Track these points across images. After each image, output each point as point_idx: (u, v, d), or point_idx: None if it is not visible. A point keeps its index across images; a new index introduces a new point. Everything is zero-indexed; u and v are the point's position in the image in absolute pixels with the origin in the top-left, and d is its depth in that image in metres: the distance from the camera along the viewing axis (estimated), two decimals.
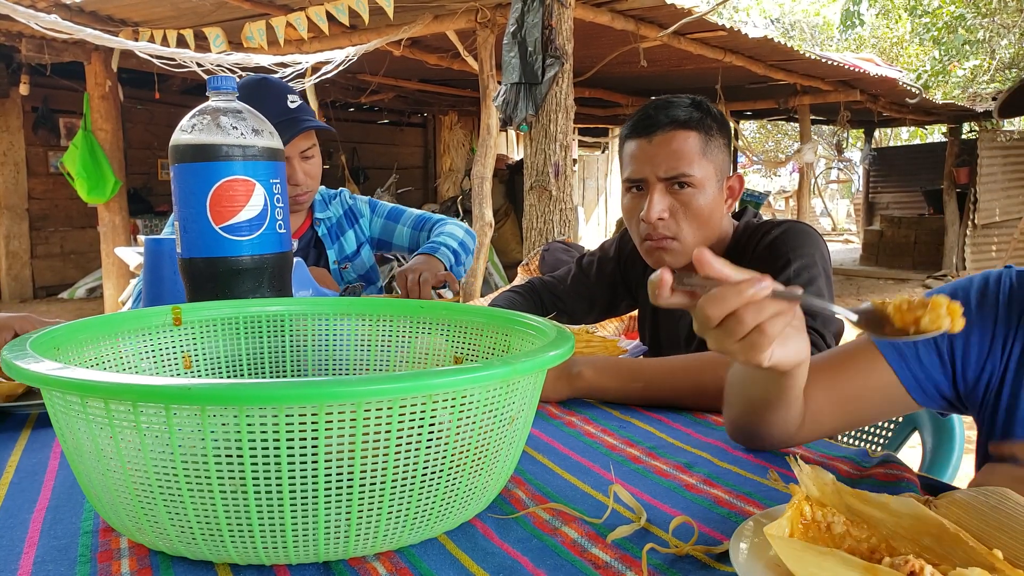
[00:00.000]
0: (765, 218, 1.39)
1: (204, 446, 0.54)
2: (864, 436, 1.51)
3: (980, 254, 9.72)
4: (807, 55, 6.80)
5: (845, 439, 1.43)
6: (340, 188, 2.00)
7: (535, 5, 3.85)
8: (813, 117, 10.43)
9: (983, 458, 0.89)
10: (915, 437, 1.45)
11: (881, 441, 1.50)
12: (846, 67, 7.52)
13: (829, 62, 7.26)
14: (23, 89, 6.41)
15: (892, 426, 1.38)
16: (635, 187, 1.30)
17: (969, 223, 9.48)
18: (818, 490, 0.62)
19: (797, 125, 9.80)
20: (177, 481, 0.56)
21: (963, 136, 11.23)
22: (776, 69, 7.25)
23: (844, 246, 15.30)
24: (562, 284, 1.61)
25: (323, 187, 1.94)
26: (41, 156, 7.63)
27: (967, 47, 12.32)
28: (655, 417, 1.03)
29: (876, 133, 14.40)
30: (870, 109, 9.48)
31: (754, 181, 19.06)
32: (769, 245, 1.27)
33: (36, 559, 0.62)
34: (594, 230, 12.33)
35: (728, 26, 5.67)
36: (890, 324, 0.65)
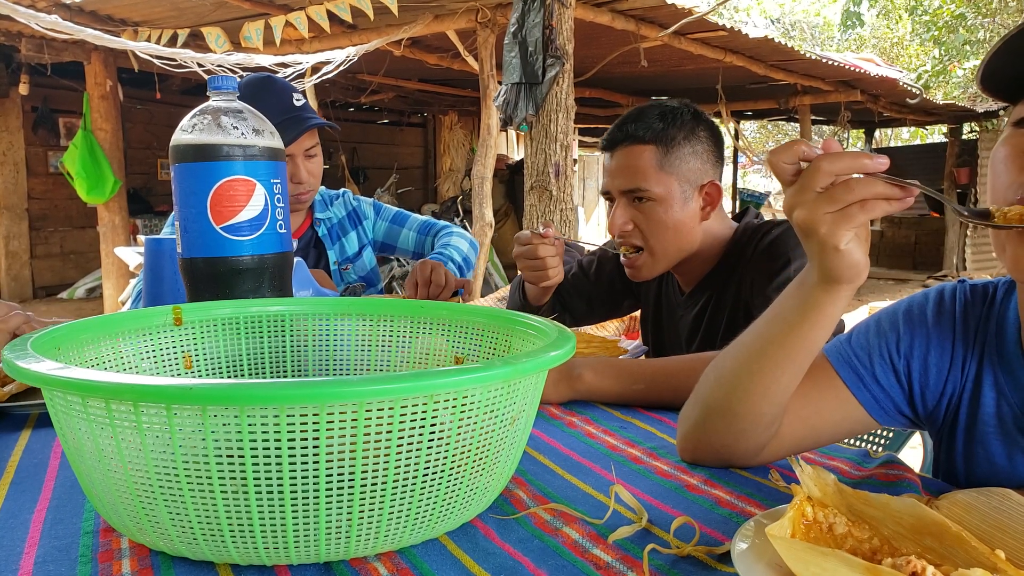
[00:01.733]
0: (766, 218, 1.39)
1: (205, 446, 0.54)
2: (866, 436, 1.51)
3: (980, 255, 9.72)
4: (807, 55, 6.80)
5: (847, 440, 1.43)
6: (343, 189, 2.01)
7: (536, 5, 3.85)
8: (813, 117, 10.43)
9: (945, 476, 0.86)
10: (916, 437, 1.45)
11: (882, 442, 1.50)
12: (846, 67, 7.52)
13: (829, 62, 7.26)
14: (23, 89, 6.41)
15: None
16: (608, 199, 1.37)
17: (969, 224, 9.46)
18: (820, 491, 0.62)
19: (798, 125, 9.80)
20: (178, 481, 0.55)
21: (964, 136, 11.23)
22: (776, 69, 7.25)
23: None
24: (563, 284, 1.61)
25: (324, 188, 1.94)
26: (41, 156, 7.63)
27: (967, 47, 12.32)
28: (656, 418, 1.03)
29: (877, 133, 14.40)
30: (870, 109, 9.48)
31: (755, 181, 19.06)
32: (769, 245, 1.27)
33: (37, 559, 0.62)
34: (594, 230, 12.33)
35: (728, 26, 5.67)
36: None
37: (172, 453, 0.55)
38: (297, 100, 1.69)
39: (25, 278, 7.70)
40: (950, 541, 0.56)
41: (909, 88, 8.73)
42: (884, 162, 0.63)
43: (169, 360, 0.87)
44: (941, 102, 9.91)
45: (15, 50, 6.13)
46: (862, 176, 0.64)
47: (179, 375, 0.87)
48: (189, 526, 0.57)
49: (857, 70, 7.67)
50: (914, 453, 1.47)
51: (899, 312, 0.86)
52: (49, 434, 0.95)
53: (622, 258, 1.36)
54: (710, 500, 0.75)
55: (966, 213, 0.67)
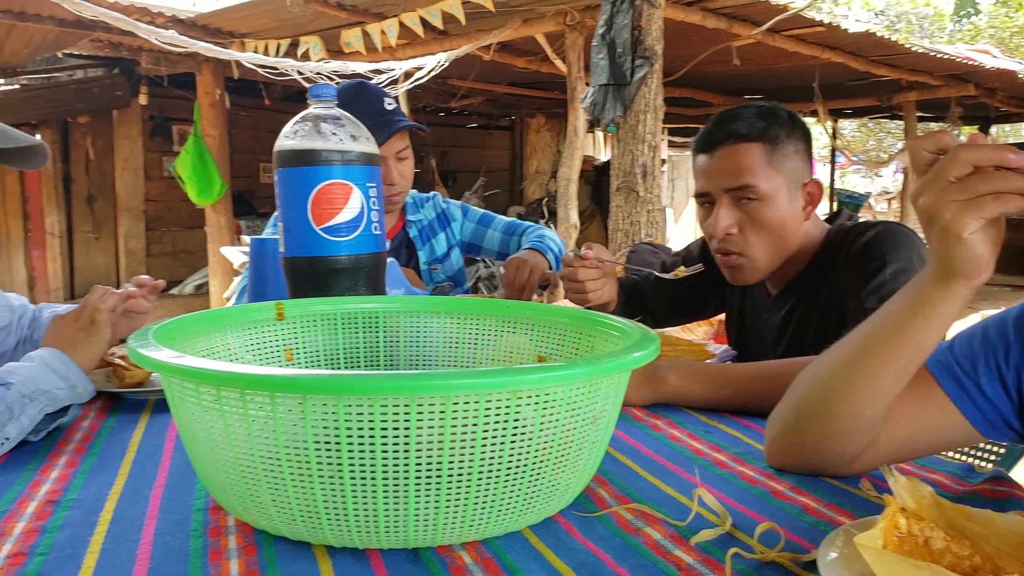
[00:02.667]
0: (861, 219, 1.34)
1: (305, 433, 0.58)
2: (972, 451, 1.42)
3: None
4: (914, 49, 6.47)
5: (949, 453, 1.36)
6: (433, 192, 2.06)
7: (624, 6, 3.82)
8: (920, 114, 9.90)
9: None
10: None
11: (992, 457, 1.41)
12: (958, 60, 7.09)
13: (939, 55, 6.87)
14: (142, 99, 6.89)
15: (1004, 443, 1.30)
16: (704, 201, 1.31)
17: None
18: (915, 503, 0.59)
19: (901, 123, 9.33)
20: (280, 465, 0.59)
21: None
22: (879, 64, 6.92)
23: None
24: (645, 286, 1.60)
25: (415, 190, 2.00)
26: (156, 161, 8.13)
27: None
28: (743, 423, 1.02)
29: (992, 130, 13.53)
30: (986, 104, 8.90)
31: (853, 181, 18.27)
32: (864, 246, 1.23)
33: (156, 531, 0.68)
34: (683, 231, 12.12)
35: (826, 21, 5.47)
36: None
37: (275, 439, 0.59)
38: (388, 104, 1.74)
39: (141, 274, 8.18)
40: None
41: None
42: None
43: (271, 352, 0.92)
44: None
45: (136, 63, 6.58)
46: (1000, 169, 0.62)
47: (282, 367, 0.92)
48: (289, 508, 0.61)
49: (970, 62, 7.22)
50: None
51: (1008, 319, 0.80)
52: (165, 419, 1.03)
53: (719, 257, 1.31)
54: (797, 507, 0.74)
55: None
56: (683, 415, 1.05)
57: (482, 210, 2.05)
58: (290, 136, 1.05)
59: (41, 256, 7.54)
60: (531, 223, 2.02)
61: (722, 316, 1.67)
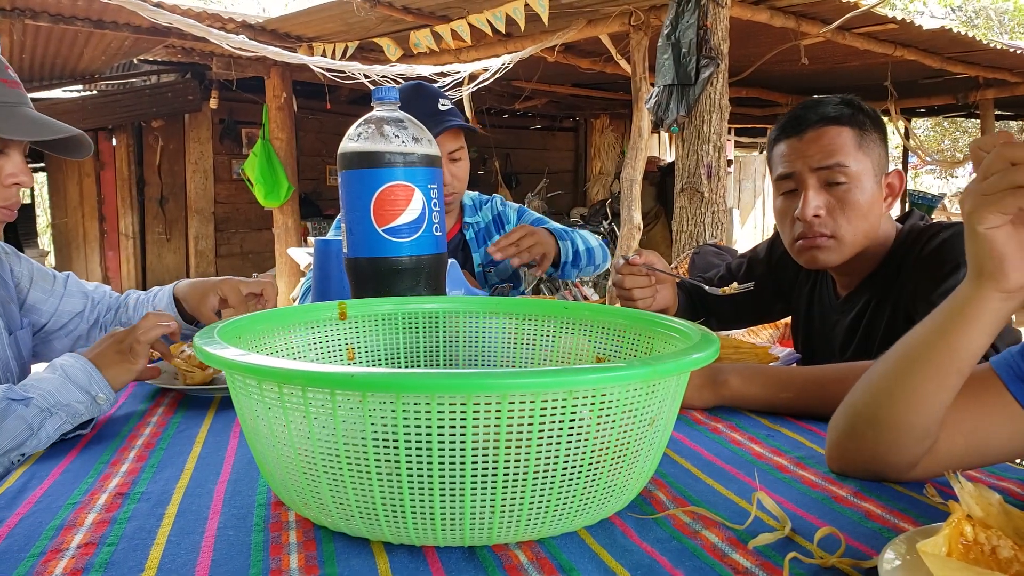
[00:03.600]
0: (934, 220, 1.30)
1: (364, 430, 0.59)
2: None
3: None
4: (992, 45, 6.19)
5: (1019, 460, 1.30)
6: (493, 195, 2.08)
7: (691, 6, 3.78)
8: (998, 112, 9.45)
9: None
10: None
11: None
12: None
13: (1018, 51, 6.56)
14: (213, 103, 7.14)
15: None
16: (788, 187, 1.28)
17: None
18: (982, 510, 0.58)
19: (978, 122, 8.93)
20: (339, 462, 0.61)
21: None
22: (954, 62, 6.64)
23: None
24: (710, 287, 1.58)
25: (477, 192, 2.02)
26: (225, 164, 8.40)
27: None
28: (805, 427, 1.00)
29: None
30: None
31: (927, 183, 17.57)
32: (937, 248, 1.19)
33: (220, 524, 0.71)
34: (750, 233, 11.86)
35: (899, 18, 5.28)
36: None
37: (335, 436, 0.60)
38: (443, 105, 1.76)
39: (210, 275, 8.49)
40: None
41: None
42: None
43: (334, 351, 0.94)
44: None
45: (207, 68, 6.83)
46: None
47: (343, 365, 0.95)
48: (347, 504, 0.63)
49: None
50: None
51: None
52: (230, 416, 1.07)
53: (799, 242, 1.28)
54: (859, 513, 0.72)
55: None
56: (744, 418, 1.04)
57: (537, 214, 2.06)
58: (354, 138, 1.07)
59: (115, 256, 7.89)
60: (585, 232, 2.02)
61: (787, 319, 1.63)
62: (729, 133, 7.03)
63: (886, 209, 1.27)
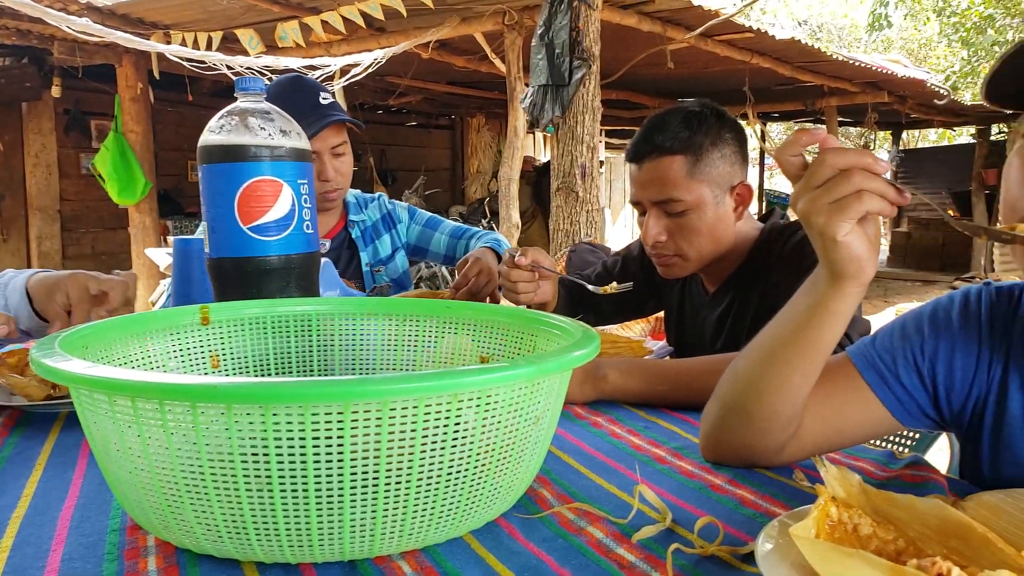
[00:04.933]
0: (793, 219, 1.38)
1: (230, 444, 0.55)
2: (891, 437, 1.49)
3: (1008, 256, 9.51)
4: (834, 56, 6.72)
5: (872, 441, 1.41)
6: (378, 192, 2.03)
7: (563, 8, 3.84)
8: (840, 119, 10.30)
9: (971, 477, 0.85)
10: (943, 439, 1.43)
11: (909, 443, 1.48)
12: (873, 68, 7.43)
13: (856, 63, 7.17)
14: (55, 91, 6.52)
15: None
16: (638, 209, 1.36)
17: (997, 225, 9.30)
18: (845, 491, 0.61)
19: (825, 127, 9.69)
20: (204, 479, 0.56)
21: (992, 138, 11.04)
22: (803, 71, 7.17)
23: None
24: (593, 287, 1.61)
25: (359, 191, 1.97)
26: (73, 158, 7.75)
27: (996, 48, 12.12)
28: (681, 418, 1.03)
29: (904, 135, 14.19)
30: (898, 111, 9.34)
31: (782, 183, 18.87)
32: (797, 245, 1.26)
33: (64, 556, 0.63)
34: (621, 231, 12.29)
35: (755, 28, 5.62)
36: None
37: (198, 451, 0.55)
38: (324, 98, 1.70)
39: None
40: (976, 543, 0.55)
41: (937, 89, 8.60)
42: (886, 164, 0.66)
43: (196, 359, 0.88)
44: (969, 103, 9.74)
45: (47, 53, 6.24)
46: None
47: (206, 374, 0.88)
48: (214, 524, 0.58)
49: (884, 71, 7.56)
50: (941, 455, 1.45)
51: (924, 315, 0.85)
52: (77, 432, 0.96)
53: (655, 258, 1.37)
54: (734, 500, 0.75)
55: (957, 226, 0.70)
56: (623, 411, 1.06)
57: (429, 213, 2.03)
58: (215, 131, 1.00)
59: None
60: (479, 228, 2.01)
61: (660, 313, 1.69)
62: (600, 134, 7.23)
63: (737, 218, 1.33)
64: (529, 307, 1.45)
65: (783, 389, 0.77)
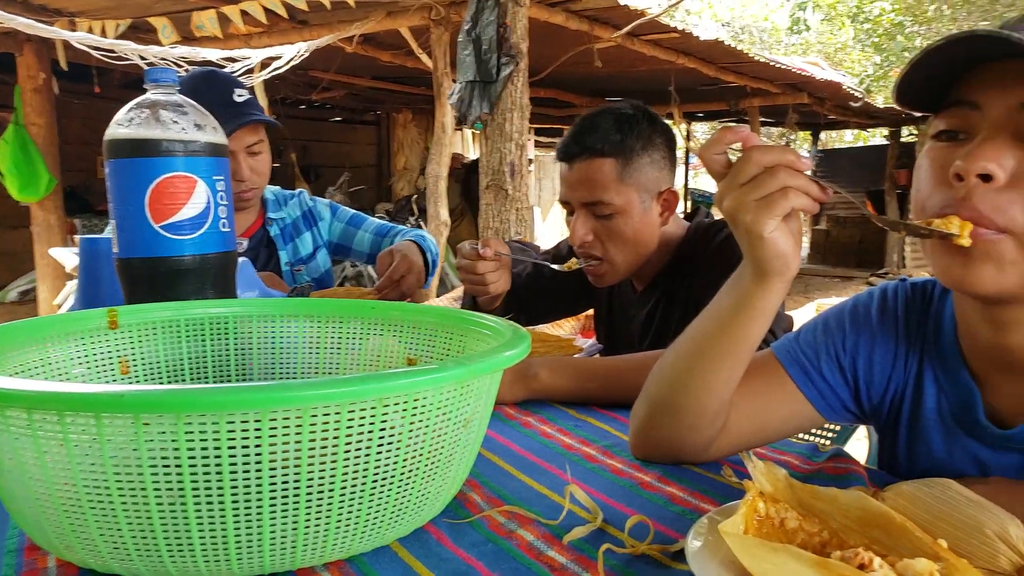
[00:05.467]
0: (718, 217, 1.40)
1: (139, 456, 0.51)
2: (814, 430, 1.53)
3: (919, 253, 10.07)
4: (756, 58, 6.92)
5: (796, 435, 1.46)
6: (299, 189, 1.96)
7: (490, 3, 3.83)
8: (763, 119, 10.64)
9: (889, 468, 0.88)
10: (862, 429, 1.48)
11: (830, 435, 1.53)
12: (793, 71, 7.69)
13: (777, 65, 7.41)
14: None
15: None
16: (567, 208, 1.36)
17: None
18: (771, 486, 0.62)
19: (748, 127, 9.99)
20: (109, 494, 0.52)
21: (903, 139, 11.60)
22: (727, 71, 7.36)
23: None
24: (519, 283, 1.60)
25: (278, 188, 1.90)
26: None
27: (906, 53, 12.75)
28: (610, 415, 1.03)
29: (822, 135, 14.78)
30: (817, 112, 9.70)
31: (706, 182, 19.40)
32: (721, 243, 1.28)
33: None
34: (551, 229, 12.37)
35: (680, 28, 5.74)
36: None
37: (102, 465, 0.51)
38: (239, 96, 1.63)
39: None
40: (895, 532, 0.57)
41: (852, 92, 8.97)
42: (808, 161, 0.67)
43: (104, 366, 0.82)
44: (882, 106, 10.21)
45: None
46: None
47: (115, 382, 0.83)
48: (122, 542, 0.54)
49: (803, 73, 7.84)
50: (860, 445, 1.50)
51: (845, 311, 0.88)
52: None
53: (583, 265, 1.36)
54: (664, 497, 0.75)
55: (878, 221, 0.71)
56: (553, 410, 1.05)
57: (352, 210, 1.97)
58: (124, 124, 0.95)
59: None
60: (402, 226, 1.96)
61: (590, 312, 1.69)
62: (530, 132, 7.26)
63: (663, 223, 1.34)
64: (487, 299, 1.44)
65: (710, 384, 0.78)
